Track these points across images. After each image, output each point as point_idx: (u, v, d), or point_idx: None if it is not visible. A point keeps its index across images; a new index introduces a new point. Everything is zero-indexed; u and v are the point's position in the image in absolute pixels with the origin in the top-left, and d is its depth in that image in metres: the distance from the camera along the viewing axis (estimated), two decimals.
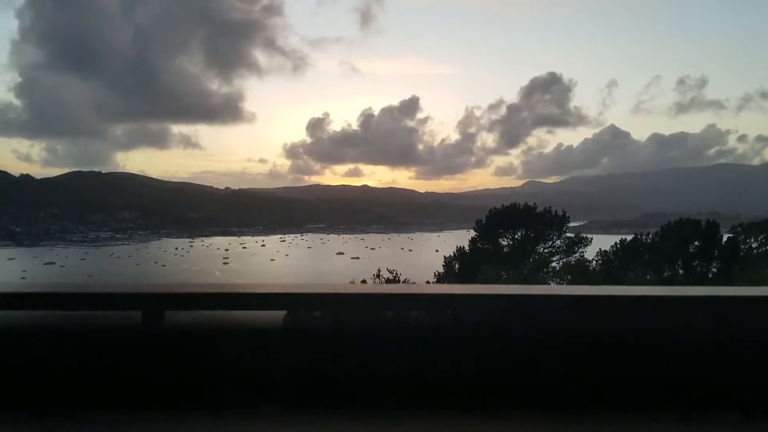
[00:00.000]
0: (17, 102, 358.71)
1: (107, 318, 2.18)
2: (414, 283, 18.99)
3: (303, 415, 1.92)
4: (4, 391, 1.93)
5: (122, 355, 1.97)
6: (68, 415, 1.91)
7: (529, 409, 1.95)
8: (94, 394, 1.93)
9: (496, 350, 2.02)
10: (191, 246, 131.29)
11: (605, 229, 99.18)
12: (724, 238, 26.62)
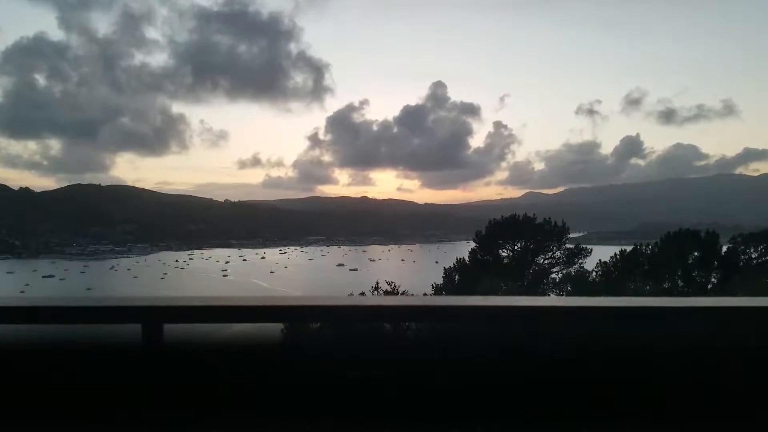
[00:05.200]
0: None
1: (107, 331, 2.17)
2: (413, 294, 19.02)
3: (303, 428, 1.91)
4: (4, 405, 1.91)
5: (121, 368, 1.97)
6: (67, 428, 1.89)
7: (531, 419, 1.94)
8: (93, 407, 1.91)
9: (497, 360, 2.01)
10: (191, 258, 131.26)
11: (605, 239, 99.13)
12: (724, 249, 26.64)
